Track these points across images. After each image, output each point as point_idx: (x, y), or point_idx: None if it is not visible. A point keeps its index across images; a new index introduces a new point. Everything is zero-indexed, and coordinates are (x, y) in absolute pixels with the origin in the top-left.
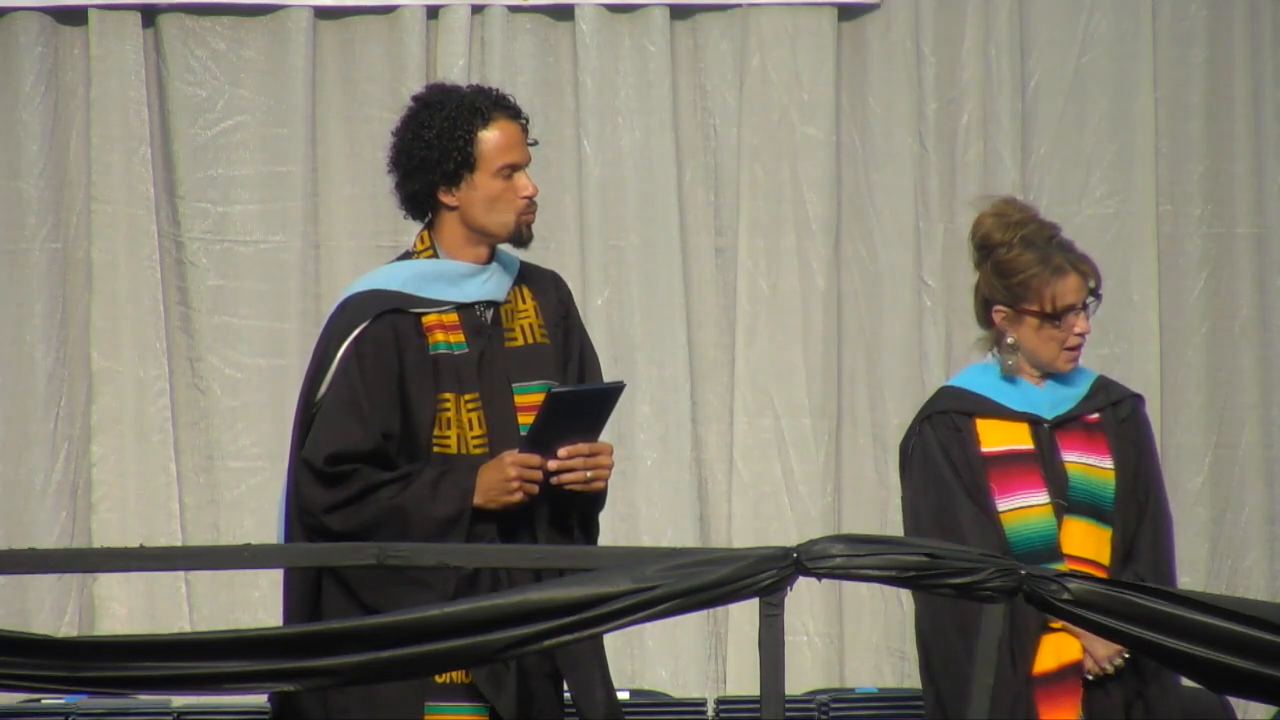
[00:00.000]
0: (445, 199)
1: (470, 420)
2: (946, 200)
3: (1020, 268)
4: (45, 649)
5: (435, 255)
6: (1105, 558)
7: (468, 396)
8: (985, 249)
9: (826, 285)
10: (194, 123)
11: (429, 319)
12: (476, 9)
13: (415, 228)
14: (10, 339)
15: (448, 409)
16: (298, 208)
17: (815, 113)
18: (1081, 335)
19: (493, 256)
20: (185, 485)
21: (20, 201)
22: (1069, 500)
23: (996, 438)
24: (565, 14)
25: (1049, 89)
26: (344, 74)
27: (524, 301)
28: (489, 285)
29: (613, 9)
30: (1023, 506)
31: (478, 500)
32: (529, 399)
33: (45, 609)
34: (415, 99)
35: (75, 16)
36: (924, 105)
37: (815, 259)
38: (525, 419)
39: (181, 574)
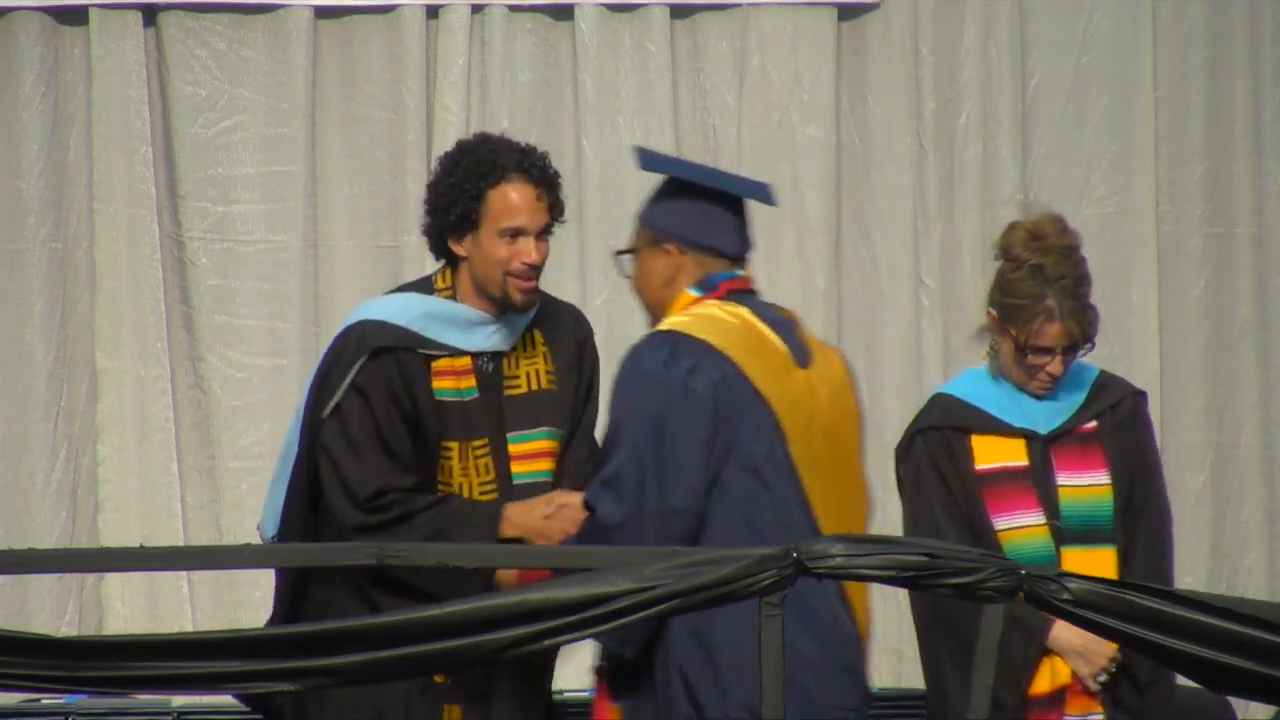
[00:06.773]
0: (455, 248)
1: (480, 466)
2: (945, 200)
3: (1017, 292)
4: (45, 649)
5: (454, 298)
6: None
7: (476, 442)
8: (1003, 256)
9: (826, 285)
10: (194, 122)
11: (440, 363)
12: (476, 8)
13: (414, 228)
14: (10, 339)
15: (449, 456)
16: (298, 208)
17: (815, 113)
18: (1051, 375)
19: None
20: (187, 485)
21: (20, 201)
22: (1061, 528)
23: (991, 454)
24: (565, 14)
25: (1049, 89)
26: (344, 74)
27: (533, 346)
28: (496, 337)
29: (613, 9)
30: (1019, 526)
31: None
32: (524, 447)
33: (45, 609)
34: (459, 143)
35: (75, 16)
36: (923, 105)
37: (815, 259)
38: (518, 467)
39: (183, 574)
